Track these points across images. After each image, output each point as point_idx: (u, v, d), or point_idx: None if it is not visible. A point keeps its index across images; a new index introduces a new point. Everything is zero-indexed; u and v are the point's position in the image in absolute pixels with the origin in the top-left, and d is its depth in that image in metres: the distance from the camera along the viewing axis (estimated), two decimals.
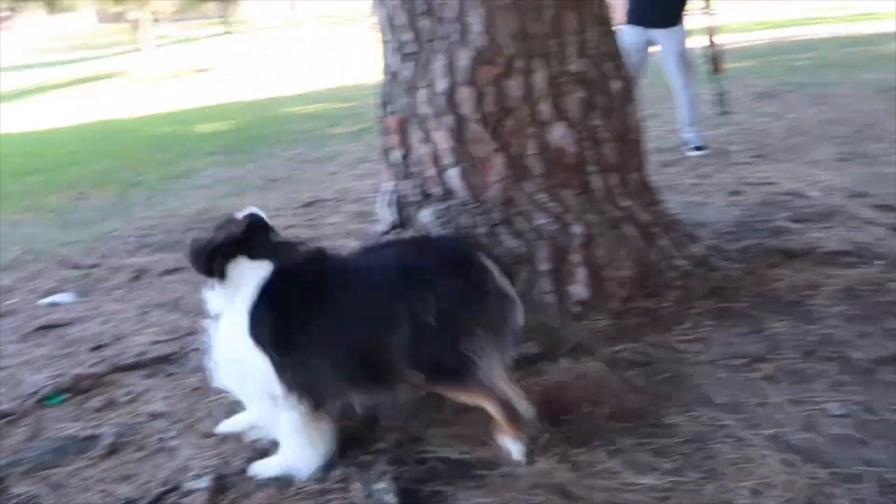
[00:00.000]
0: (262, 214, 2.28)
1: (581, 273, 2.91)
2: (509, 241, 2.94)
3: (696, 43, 6.12)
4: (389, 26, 3.08)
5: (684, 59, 5.88)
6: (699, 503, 1.96)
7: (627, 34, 5.51)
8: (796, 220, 4.03)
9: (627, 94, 3.17)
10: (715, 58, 6.34)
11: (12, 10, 33.82)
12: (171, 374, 3.02)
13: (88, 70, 28.35)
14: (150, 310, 3.82)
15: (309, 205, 5.58)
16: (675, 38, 5.80)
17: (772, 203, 4.41)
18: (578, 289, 2.90)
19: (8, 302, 4.30)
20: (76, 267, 4.81)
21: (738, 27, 21.51)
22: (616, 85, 3.09)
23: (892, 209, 4.10)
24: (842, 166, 5.12)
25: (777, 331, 2.79)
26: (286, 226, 4.87)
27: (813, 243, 3.64)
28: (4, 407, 2.88)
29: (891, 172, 4.83)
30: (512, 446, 2.17)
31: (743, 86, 8.99)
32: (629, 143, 3.17)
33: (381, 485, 2.11)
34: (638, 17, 5.72)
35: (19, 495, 2.32)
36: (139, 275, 4.46)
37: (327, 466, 2.21)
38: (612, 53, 3.13)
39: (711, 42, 6.32)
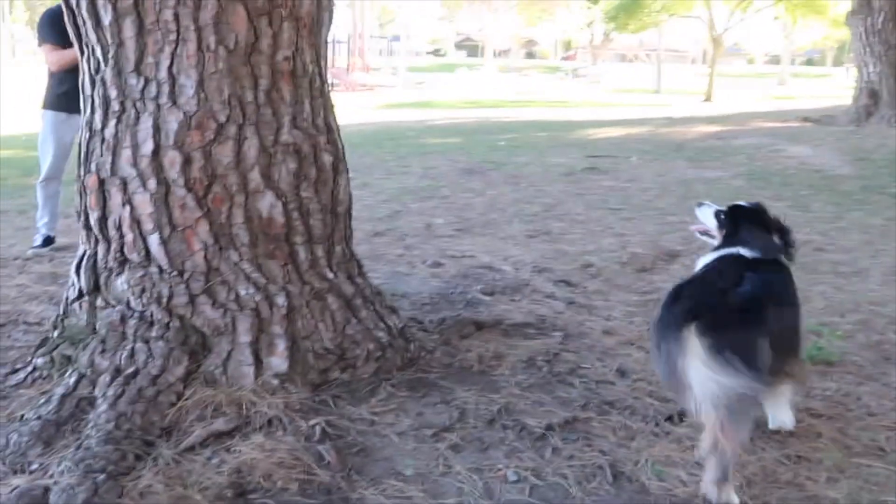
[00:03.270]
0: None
1: (281, 345, 2.92)
2: (210, 312, 2.88)
3: None
4: (93, 81, 2.95)
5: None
6: None
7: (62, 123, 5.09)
8: (489, 293, 4.36)
9: (338, 168, 3.26)
10: None
11: None
12: None
13: None
14: None
15: None
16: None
17: (469, 276, 4.72)
18: (277, 361, 2.90)
19: None
20: None
21: (448, 104, 22.99)
22: (327, 158, 3.17)
23: (569, 284, 4.58)
24: (530, 242, 5.62)
25: (465, 400, 2.97)
26: None
27: (501, 315, 3.95)
28: None
29: (570, 250, 5.39)
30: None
31: (450, 161, 9.61)
32: (337, 215, 3.25)
33: None
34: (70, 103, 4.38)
35: None
36: None
37: None
38: (326, 127, 3.21)
39: None
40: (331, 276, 3.17)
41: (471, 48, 66.94)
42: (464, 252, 5.33)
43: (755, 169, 9.14)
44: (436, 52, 67.43)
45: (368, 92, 28.16)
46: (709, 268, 2.81)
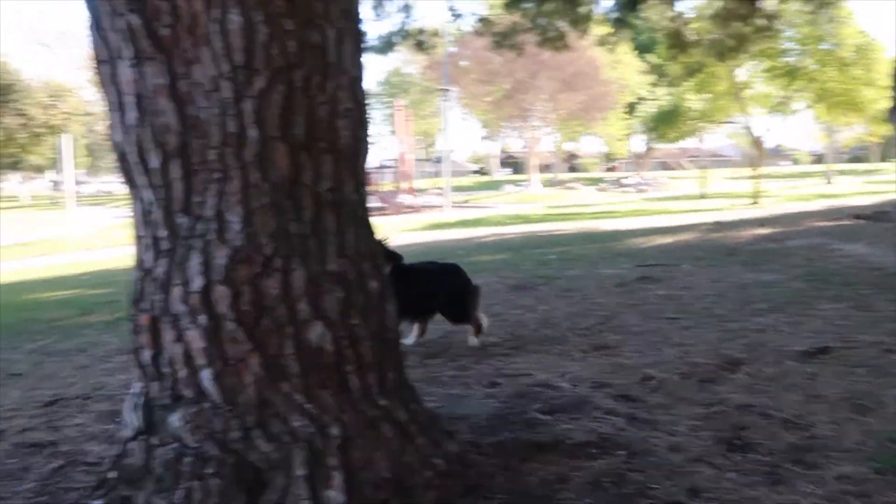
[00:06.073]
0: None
1: (338, 477, 2.84)
2: (264, 446, 2.83)
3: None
4: (144, 222, 3.02)
5: None
6: None
7: None
8: (548, 412, 4.24)
9: (385, 294, 3.26)
10: None
11: None
12: None
13: None
14: None
15: (51, 403, 5.06)
16: None
17: (526, 395, 4.61)
18: (334, 494, 2.81)
19: None
20: None
21: (495, 221, 23.20)
22: (374, 284, 3.18)
23: (630, 399, 4.43)
24: (587, 357, 5.50)
25: None
26: (22, 428, 4.44)
27: (562, 435, 3.82)
28: None
29: (629, 363, 5.25)
30: (473, 340, 5.98)
31: (500, 277, 9.59)
32: (387, 341, 3.23)
33: None
34: None
35: None
36: None
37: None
38: (371, 254, 3.23)
39: None
40: (384, 403, 3.12)
41: (514, 164, 68.10)
42: (519, 370, 5.23)
43: (813, 270, 8.95)
44: (480, 171, 68.81)
45: (415, 213, 28.70)
46: (412, 267, 5.99)
